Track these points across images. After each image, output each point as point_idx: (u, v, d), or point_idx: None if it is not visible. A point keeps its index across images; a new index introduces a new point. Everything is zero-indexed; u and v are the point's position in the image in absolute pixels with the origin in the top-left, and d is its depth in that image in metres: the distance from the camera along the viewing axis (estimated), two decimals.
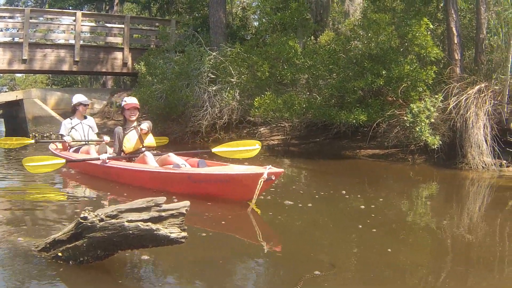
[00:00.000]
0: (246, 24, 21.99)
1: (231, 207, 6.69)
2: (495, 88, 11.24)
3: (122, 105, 8.68)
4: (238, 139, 14.78)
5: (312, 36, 15.62)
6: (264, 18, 16.78)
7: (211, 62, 16.38)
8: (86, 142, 10.43)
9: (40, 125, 19.70)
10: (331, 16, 17.05)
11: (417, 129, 10.99)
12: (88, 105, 11.01)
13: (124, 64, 21.13)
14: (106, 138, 10.21)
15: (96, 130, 11.00)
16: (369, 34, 12.55)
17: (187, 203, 4.00)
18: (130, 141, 8.40)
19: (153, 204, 3.93)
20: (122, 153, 8.46)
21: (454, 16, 12.29)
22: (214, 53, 16.50)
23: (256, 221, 6.26)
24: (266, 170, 6.38)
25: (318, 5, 16.55)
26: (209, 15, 19.56)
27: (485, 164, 10.56)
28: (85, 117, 10.84)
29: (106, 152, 8.93)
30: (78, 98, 10.72)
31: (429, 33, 12.39)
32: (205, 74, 16.18)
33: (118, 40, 21.82)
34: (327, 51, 13.57)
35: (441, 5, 13.84)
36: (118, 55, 21.22)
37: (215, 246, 5.13)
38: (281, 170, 6.59)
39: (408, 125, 11.27)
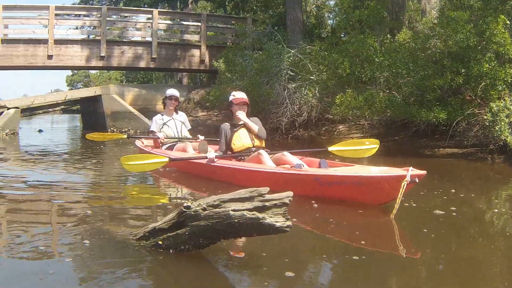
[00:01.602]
0: (321, 22, 22.27)
1: (368, 213, 6.24)
2: None
3: (230, 99, 8.33)
4: (317, 137, 15.41)
5: (388, 34, 15.78)
6: (340, 16, 17.00)
7: (290, 60, 16.65)
8: (180, 139, 10.11)
9: (118, 120, 20.50)
10: (408, 14, 17.16)
11: (497, 128, 10.95)
12: (178, 99, 10.66)
13: (202, 61, 21.68)
14: (201, 137, 10.01)
15: (189, 127, 10.69)
16: (448, 32, 12.53)
17: (290, 193, 4.05)
18: (240, 139, 8.06)
19: (257, 194, 4.01)
20: (229, 152, 8.11)
21: None
22: (293, 51, 16.80)
23: (402, 230, 5.75)
24: (409, 171, 5.94)
25: (394, 3, 16.68)
26: (286, 13, 19.98)
27: None
28: (176, 113, 10.58)
29: (207, 150, 8.63)
30: (171, 91, 10.53)
31: (507, 30, 12.30)
32: (285, 71, 16.47)
33: (195, 37, 22.37)
34: (407, 49, 13.69)
35: None
36: (195, 52, 21.82)
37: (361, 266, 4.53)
38: (424, 171, 6.11)
39: (487, 124, 11.25)
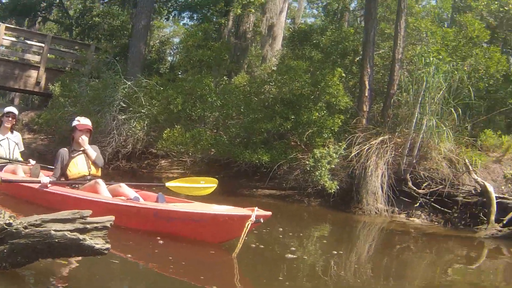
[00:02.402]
0: (162, 57, 21.98)
1: (210, 251, 6.13)
2: (398, 140, 11.75)
3: (73, 125, 7.81)
4: (138, 169, 15.00)
5: (225, 76, 15.73)
6: (182, 54, 16.87)
7: (124, 91, 16.20)
8: (10, 161, 9.12)
9: None
10: (248, 59, 17.23)
11: (317, 173, 11.19)
12: (16, 117, 9.68)
13: (37, 83, 20.46)
14: (32, 161, 9.18)
15: (22, 148, 9.77)
16: (285, 79, 12.83)
17: (111, 217, 4.17)
18: (77, 166, 7.58)
19: (79, 216, 4.07)
20: (63, 178, 7.62)
21: (369, 71, 13.00)
22: (129, 83, 16.31)
23: (242, 269, 5.73)
24: (254, 212, 5.82)
25: (237, 47, 16.68)
26: (129, 45, 19.66)
27: (378, 210, 11.00)
28: (12, 132, 9.56)
29: (39, 175, 8.02)
30: (9, 108, 9.58)
31: (341, 83, 12.85)
32: (117, 102, 15.94)
33: (35, 58, 21.25)
34: (241, 92, 13.85)
35: (357, 59, 14.31)
36: (33, 73, 20.56)
37: None
38: (269, 213, 6.06)
39: (308, 168, 11.48)
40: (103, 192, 7.10)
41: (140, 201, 6.90)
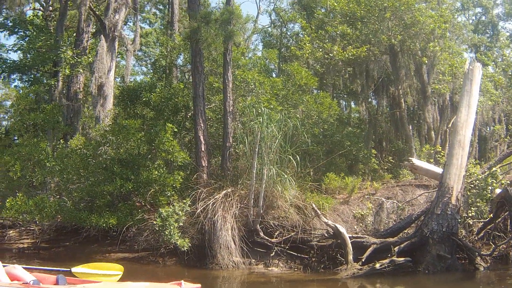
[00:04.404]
0: None
1: None
2: (241, 192, 12.12)
3: None
4: None
5: (62, 140, 15.36)
6: (15, 118, 16.33)
7: None
8: None
9: None
10: (82, 121, 16.94)
11: (167, 233, 11.24)
12: None
13: None
14: None
15: None
16: (119, 139, 12.83)
17: None
18: None
19: None
20: None
21: (202, 125, 13.27)
22: None
23: None
24: (182, 286, 5.36)
25: (70, 109, 16.36)
26: None
27: (235, 263, 11.18)
28: None
29: None
30: None
31: (176, 140, 13.16)
32: None
33: None
34: (78, 155, 13.53)
35: (189, 114, 14.48)
36: None
37: None
38: (198, 285, 5.63)
39: (157, 228, 11.49)
40: (1, 276, 6.43)
41: (41, 285, 6.32)
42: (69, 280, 6.63)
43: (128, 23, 23.41)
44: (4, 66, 20.43)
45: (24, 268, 6.84)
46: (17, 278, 6.51)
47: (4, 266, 6.67)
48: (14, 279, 6.47)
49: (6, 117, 20.95)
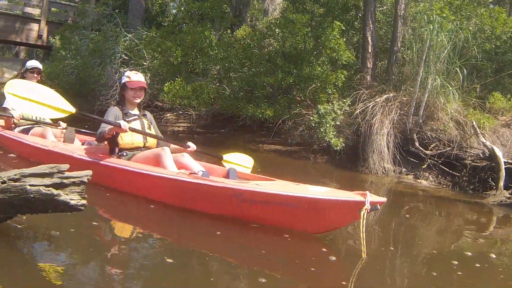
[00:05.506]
0: (165, 10, 21.61)
1: (303, 245, 4.99)
2: (403, 99, 11.64)
3: (124, 81, 6.30)
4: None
5: (228, 30, 15.51)
6: (183, 6, 16.62)
7: (126, 44, 16.09)
8: (37, 123, 7.82)
9: None
10: (250, 13, 16.99)
11: (322, 130, 11.15)
12: (41, 73, 8.29)
13: (39, 36, 20.42)
14: (63, 124, 7.80)
15: None
16: (285, 33, 12.57)
17: (89, 172, 3.96)
18: (132, 134, 6.07)
19: (56, 171, 3.87)
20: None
21: (371, 26, 12.80)
22: (129, 35, 16.17)
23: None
24: (368, 197, 4.58)
25: (239, 1, 16.43)
26: None
27: (385, 170, 10.96)
28: None
29: (74, 140, 7.05)
30: (32, 63, 8.24)
31: (343, 39, 12.65)
32: (119, 55, 15.86)
33: (36, 11, 21.06)
34: (242, 45, 13.59)
35: (360, 15, 14.09)
36: (34, 26, 20.48)
37: None
38: (384, 199, 4.79)
39: (313, 125, 11.42)
40: (169, 165, 5.75)
41: (211, 178, 5.55)
42: (239, 175, 5.97)
43: None
44: None
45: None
46: (185, 167, 5.92)
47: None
48: (182, 167, 5.88)
49: (176, 6, 21.33)
